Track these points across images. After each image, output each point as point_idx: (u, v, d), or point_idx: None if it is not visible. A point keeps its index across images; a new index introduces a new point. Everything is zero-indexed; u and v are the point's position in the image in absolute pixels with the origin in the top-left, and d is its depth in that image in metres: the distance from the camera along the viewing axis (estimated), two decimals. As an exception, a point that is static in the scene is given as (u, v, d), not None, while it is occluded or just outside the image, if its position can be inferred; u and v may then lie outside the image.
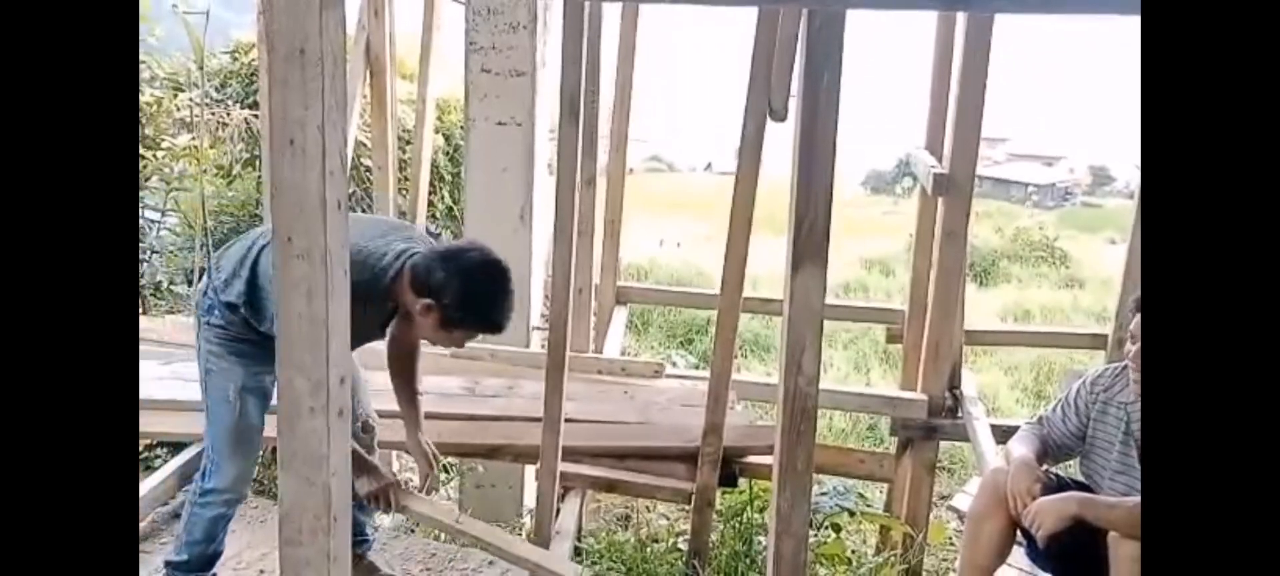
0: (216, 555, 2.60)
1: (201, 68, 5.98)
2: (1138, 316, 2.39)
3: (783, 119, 2.77)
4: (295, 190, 1.32)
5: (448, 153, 6.69)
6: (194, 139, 5.72)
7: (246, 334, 2.38)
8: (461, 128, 6.44)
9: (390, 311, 2.35)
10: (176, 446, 3.65)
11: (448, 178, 6.68)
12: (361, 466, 2.58)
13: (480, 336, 2.39)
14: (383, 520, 4.08)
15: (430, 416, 3.33)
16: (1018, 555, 2.70)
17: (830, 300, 7.65)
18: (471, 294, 2.23)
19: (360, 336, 2.31)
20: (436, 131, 6.45)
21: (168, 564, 2.60)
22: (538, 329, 4.39)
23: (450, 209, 6.66)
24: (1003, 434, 3.30)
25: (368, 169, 5.59)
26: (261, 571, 2.97)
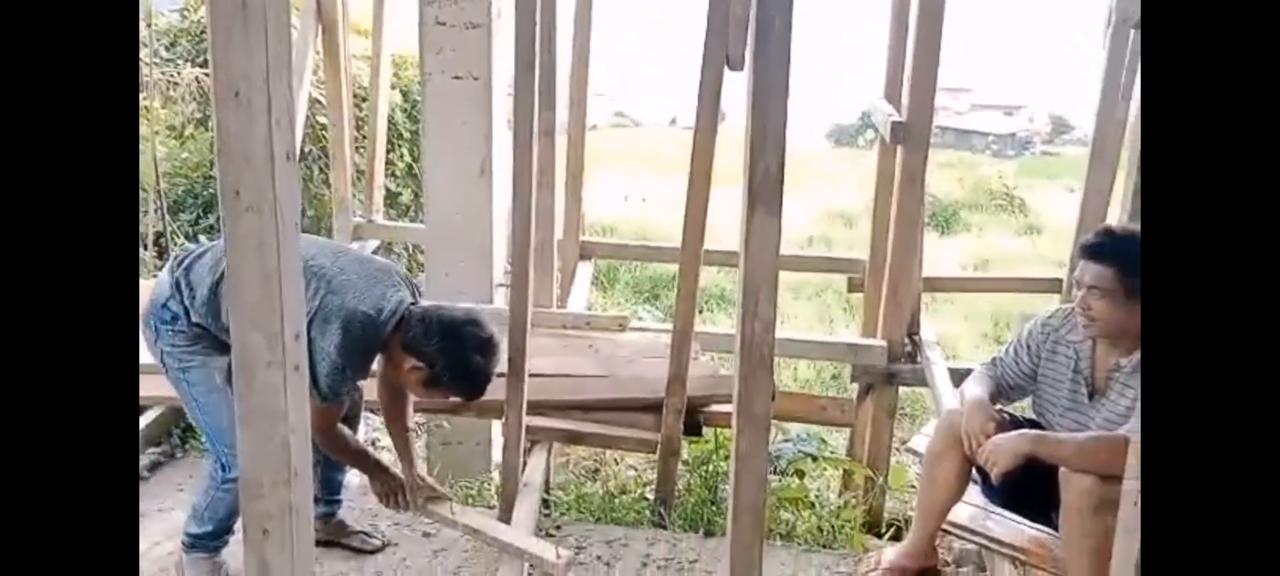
0: (235, 522, 2.61)
1: (150, 27, 5.83)
2: (1083, 261, 2.44)
3: (740, 67, 2.77)
4: (241, 142, 1.30)
5: (405, 109, 6.60)
6: (145, 99, 5.59)
7: (211, 332, 2.42)
8: (419, 83, 6.36)
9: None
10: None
11: (406, 134, 6.60)
12: (373, 468, 2.67)
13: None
14: (351, 479, 4.09)
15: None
16: (973, 492, 2.77)
17: (794, 252, 7.71)
18: (463, 367, 2.34)
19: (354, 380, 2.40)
20: (393, 87, 6.35)
21: (191, 535, 2.59)
22: (501, 285, 4.38)
23: (410, 166, 6.59)
24: (960, 377, 3.36)
25: (324, 127, 5.51)
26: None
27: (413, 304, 2.41)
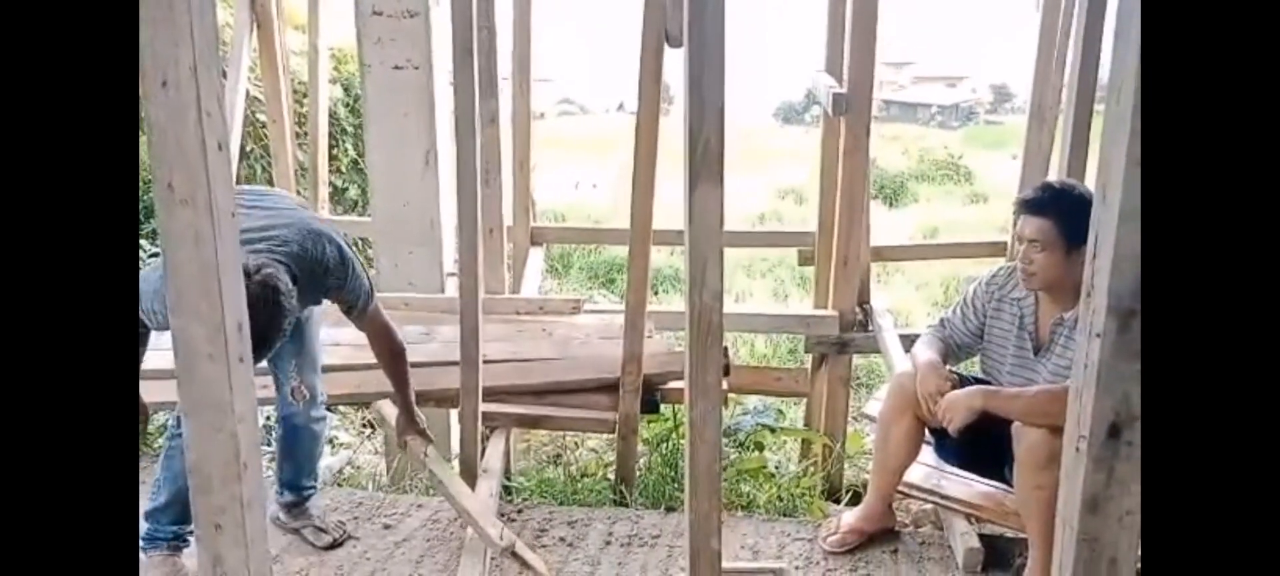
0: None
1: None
2: (1023, 216, 2.50)
3: (679, 44, 2.77)
4: (172, 133, 1.28)
5: (347, 103, 6.52)
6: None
7: None
8: (359, 76, 6.26)
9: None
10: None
11: (350, 129, 6.51)
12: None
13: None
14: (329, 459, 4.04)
15: (349, 368, 3.30)
16: (926, 453, 2.83)
17: (746, 229, 7.73)
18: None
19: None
20: (334, 82, 6.27)
21: (147, 513, 2.51)
22: (452, 275, 4.35)
23: (355, 161, 6.51)
24: (910, 343, 3.42)
25: (264, 125, 5.42)
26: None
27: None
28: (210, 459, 1.42)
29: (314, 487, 2.89)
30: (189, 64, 1.26)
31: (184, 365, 1.37)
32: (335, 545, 2.81)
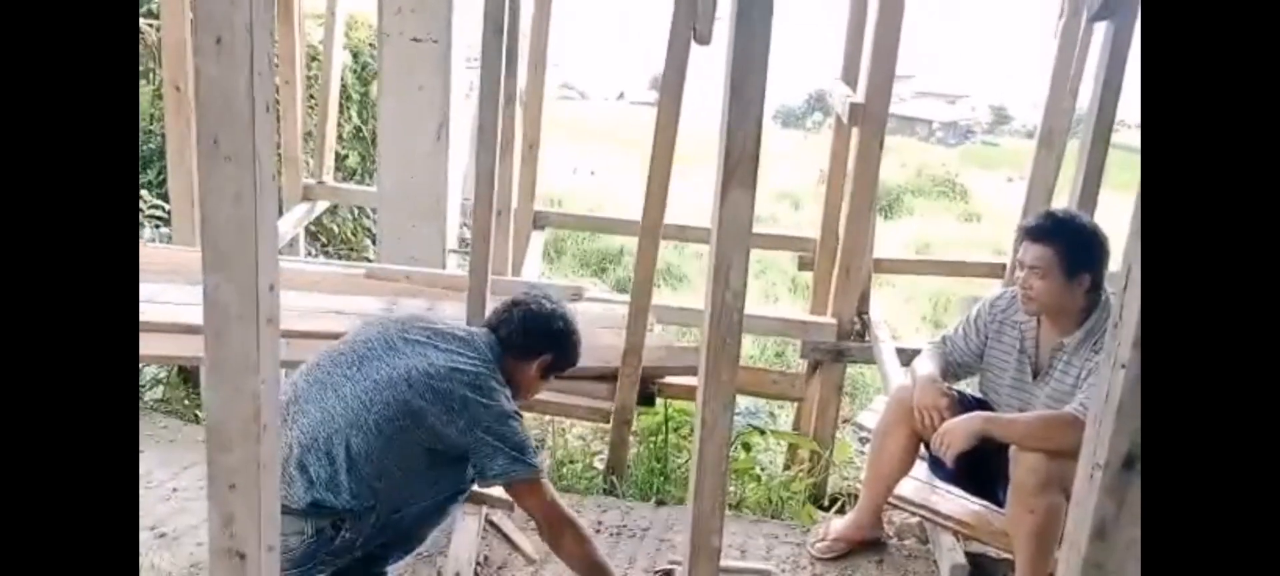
0: None
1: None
2: (1025, 242, 2.53)
3: (707, 42, 2.79)
4: (222, 89, 1.28)
5: (355, 70, 6.48)
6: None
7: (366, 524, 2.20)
8: (371, 44, 6.23)
9: None
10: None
11: (355, 96, 6.47)
12: None
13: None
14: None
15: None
16: (918, 466, 2.85)
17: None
18: (571, 339, 2.46)
19: None
20: (343, 47, 6.23)
21: None
22: (454, 251, 4.35)
23: (358, 129, 6.48)
24: (906, 357, 3.45)
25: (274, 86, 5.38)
26: (175, 489, 2.91)
27: (481, 331, 2.43)
28: (230, 418, 1.42)
29: None
30: (245, 22, 1.26)
31: (214, 323, 1.37)
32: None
